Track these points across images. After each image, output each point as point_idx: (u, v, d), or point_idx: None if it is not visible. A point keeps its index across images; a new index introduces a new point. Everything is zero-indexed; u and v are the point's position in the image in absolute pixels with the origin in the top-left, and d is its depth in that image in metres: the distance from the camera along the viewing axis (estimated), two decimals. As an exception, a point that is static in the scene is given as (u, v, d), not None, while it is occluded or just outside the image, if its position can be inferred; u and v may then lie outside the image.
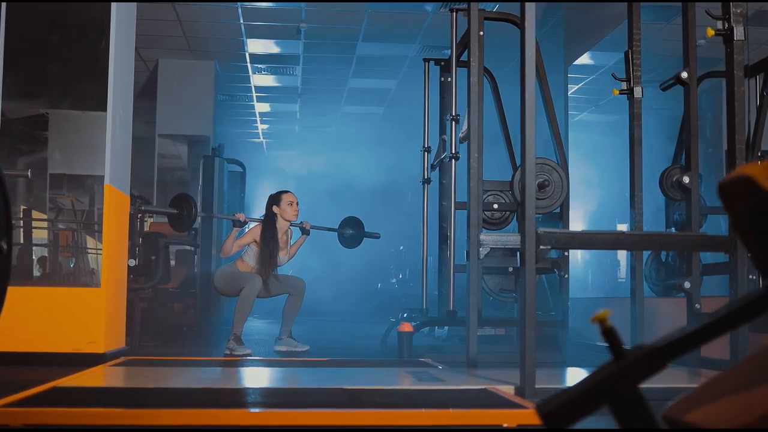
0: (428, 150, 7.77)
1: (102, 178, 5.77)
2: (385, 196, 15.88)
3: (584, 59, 10.43)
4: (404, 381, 4.55)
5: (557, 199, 6.22)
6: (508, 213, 7.17)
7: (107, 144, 5.68)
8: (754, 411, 1.77)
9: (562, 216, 6.50)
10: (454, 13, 6.50)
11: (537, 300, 8.17)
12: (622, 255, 12.62)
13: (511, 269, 6.98)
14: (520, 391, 4.00)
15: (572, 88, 11.51)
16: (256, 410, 3.10)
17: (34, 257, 7.90)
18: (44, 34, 5.95)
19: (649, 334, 5.94)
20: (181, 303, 10.30)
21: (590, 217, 13.66)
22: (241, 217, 6.95)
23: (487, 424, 3.13)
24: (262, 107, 14.95)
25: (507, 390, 4.01)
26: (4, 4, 5.70)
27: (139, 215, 12.09)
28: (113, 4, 5.77)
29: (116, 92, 5.79)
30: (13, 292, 5.53)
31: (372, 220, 15.11)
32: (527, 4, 4.01)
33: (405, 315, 8.23)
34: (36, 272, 7.83)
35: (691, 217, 5.04)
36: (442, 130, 7.23)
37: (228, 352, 6.45)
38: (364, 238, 8.08)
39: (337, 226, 8.17)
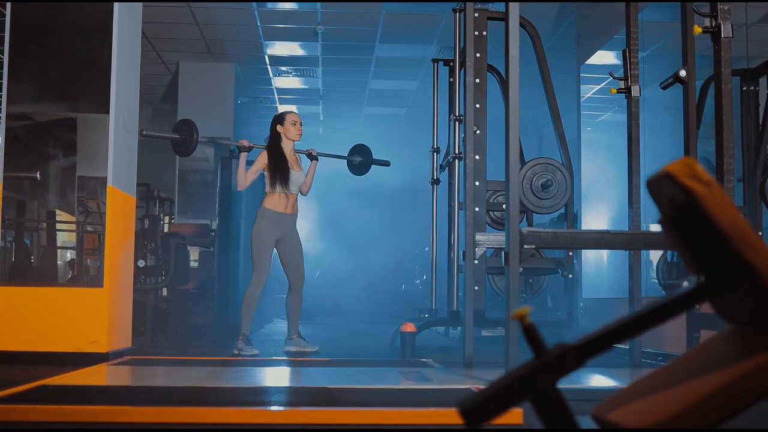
0: (437, 150, 7.78)
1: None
2: (411, 196, 15.88)
3: (608, 58, 10.36)
4: (392, 381, 4.56)
5: (561, 199, 6.20)
6: (517, 213, 7.17)
7: (110, 146, 5.75)
8: (668, 409, 1.77)
9: (567, 216, 6.48)
10: (458, 14, 6.49)
11: (554, 299, 8.18)
12: (656, 254, 12.45)
13: (521, 269, 6.97)
14: (504, 391, 3.99)
15: (594, 88, 11.43)
16: (224, 408, 3.13)
17: (62, 259, 7.99)
18: (62, 35, 5.99)
19: (652, 335, 5.89)
20: (200, 304, 10.37)
21: (614, 217, 13.54)
22: (245, 143, 6.91)
23: (455, 423, 3.13)
24: (285, 109, 15.02)
25: (491, 390, 4.00)
26: (9, 4, 5.77)
27: (160, 218, 12.24)
28: (116, 4, 5.80)
29: (119, 94, 5.84)
30: (16, 292, 5.68)
31: (399, 220, 15.16)
32: (511, 4, 4.01)
33: (426, 315, 8.22)
34: (67, 275, 7.92)
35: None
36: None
37: (236, 352, 6.48)
38: (373, 165, 7.95)
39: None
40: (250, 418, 3.14)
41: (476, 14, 6.37)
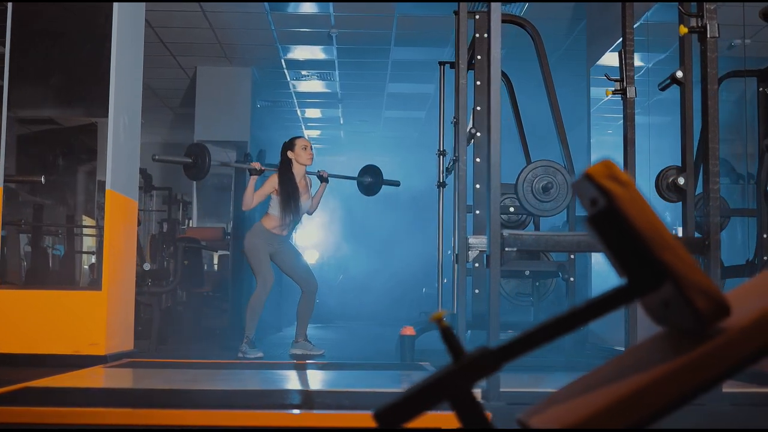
0: (444, 153, 7.76)
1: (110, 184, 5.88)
2: (433, 199, 15.82)
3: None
4: (378, 384, 4.55)
5: (562, 202, 6.14)
6: (525, 216, 7.13)
7: (108, 150, 5.78)
8: (580, 413, 1.75)
9: (568, 219, 6.42)
10: (458, 16, 6.47)
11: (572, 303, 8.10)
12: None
13: (527, 273, 6.93)
14: (485, 395, 3.98)
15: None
16: (193, 410, 3.14)
17: (88, 263, 8.07)
18: (87, 40, 6.02)
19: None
20: (215, 307, 10.42)
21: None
22: (256, 165, 6.94)
23: (422, 426, 3.11)
24: (305, 113, 15.06)
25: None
26: (9, 5, 5.81)
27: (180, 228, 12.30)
28: (115, 5, 5.82)
29: (118, 97, 5.87)
30: (16, 294, 5.73)
31: (421, 223, 15.12)
32: (493, 4, 3.99)
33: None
34: (89, 278, 8.00)
35: (687, 219, 4.93)
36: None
37: (240, 355, 6.53)
38: (383, 186, 8.01)
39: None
40: (215, 421, 3.16)
41: (477, 16, 6.36)
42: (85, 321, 5.61)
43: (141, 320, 8.03)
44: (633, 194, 1.75)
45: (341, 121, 15.61)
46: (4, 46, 5.89)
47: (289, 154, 6.86)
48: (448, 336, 1.74)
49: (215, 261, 11.93)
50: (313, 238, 17.59)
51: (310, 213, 7.10)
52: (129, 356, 5.99)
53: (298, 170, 6.85)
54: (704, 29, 4.05)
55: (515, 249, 3.90)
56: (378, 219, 15.78)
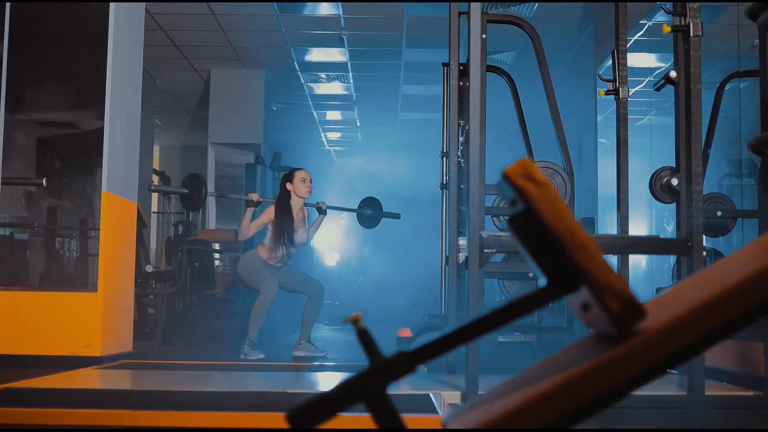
0: (446, 155, 7.73)
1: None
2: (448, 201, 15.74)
3: (647, 60, 10.21)
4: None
5: (561, 204, 6.10)
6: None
7: (105, 152, 5.81)
8: (492, 414, 1.74)
9: (567, 220, 6.38)
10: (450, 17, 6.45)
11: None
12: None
13: (531, 275, 6.89)
14: (465, 397, 3.96)
15: (630, 91, 11.23)
16: (150, 411, 3.14)
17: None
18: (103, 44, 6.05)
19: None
20: (226, 309, 10.44)
21: (657, 220, 13.31)
22: (254, 197, 6.95)
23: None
24: (321, 115, 15.07)
25: (452, 395, 3.97)
26: (7, 5, 5.84)
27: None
28: (111, 5, 5.83)
29: (115, 99, 5.89)
30: (12, 296, 5.77)
31: (439, 225, 15.10)
32: (472, 5, 3.97)
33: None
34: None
35: (680, 220, 4.87)
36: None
37: (242, 356, 6.54)
38: (383, 219, 8.05)
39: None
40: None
41: (475, 17, 6.33)
42: (81, 322, 5.64)
43: (148, 322, 8.07)
44: (549, 195, 1.72)
45: (357, 123, 15.61)
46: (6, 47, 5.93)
47: (288, 186, 6.89)
48: (364, 338, 1.72)
49: (228, 263, 11.98)
50: (333, 241, 17.62)
51: (305, 243, 7.12)
52: (127, 357, 6.02)
53: (296, 202, 6.89)
54: (687, 28, 4.00)
55: (494, 250, 3.88)
56: (397, 221, 15.74)
